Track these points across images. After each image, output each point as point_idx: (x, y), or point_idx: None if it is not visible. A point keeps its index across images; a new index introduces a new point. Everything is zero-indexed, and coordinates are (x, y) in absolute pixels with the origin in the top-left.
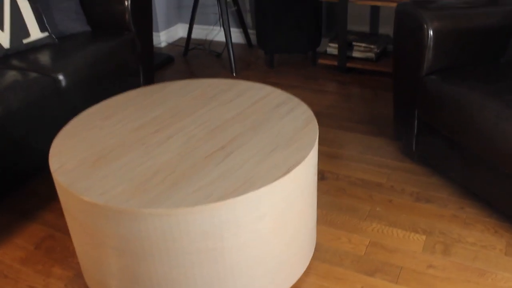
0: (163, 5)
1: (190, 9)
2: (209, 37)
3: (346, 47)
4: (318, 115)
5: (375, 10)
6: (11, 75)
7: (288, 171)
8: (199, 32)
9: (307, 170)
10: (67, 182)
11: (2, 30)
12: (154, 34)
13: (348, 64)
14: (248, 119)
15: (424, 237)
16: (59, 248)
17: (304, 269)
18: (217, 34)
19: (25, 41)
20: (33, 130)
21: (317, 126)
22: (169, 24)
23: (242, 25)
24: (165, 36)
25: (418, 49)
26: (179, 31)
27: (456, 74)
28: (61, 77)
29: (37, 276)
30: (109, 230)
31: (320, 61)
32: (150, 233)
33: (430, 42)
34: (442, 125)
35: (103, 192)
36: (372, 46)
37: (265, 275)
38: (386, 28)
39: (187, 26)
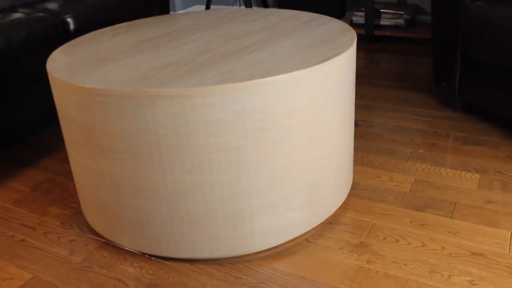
0: None
1: None
2: None
3: (373, 13)
4: None
5: None
6: (15, 15)
7: (323, 60)
8: None
9: (344, 69)
10: (64, 77)
11: None
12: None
13: (376, 32)
14: (277, 28)
15: (478, 175)
16: (58, 189)
17: (340, 202)
18: None
19: None
20: (36, 76)
21: (355, 33)
22: (186, 5)
23: (263, 2)
24: None
25: None
26: None
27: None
28: (69, 19)
29: (31, 215)
30: (109, 126)
31: None
32: (159, 124)
33: None
34: (491, 54)
35: (104, 80)
36: (401, 12)
37: (295, 195)
38: None
39: (203, 8)
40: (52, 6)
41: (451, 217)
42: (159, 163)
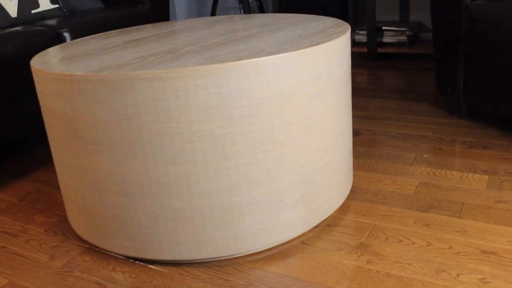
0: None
1: (211, 3)
2: None
3: (375, 30)
4: None
5: None
6: (12, 29)
7: (313, 45)
8: None
9: (337, 57)
10: (44, 67)
11: None
12: None
13: (379, 50)
14: (269, 26)
15: (486, 177)
16: (46, 199)
17: (339, 204)
18: None
19: (33, 11)
20: (30, 89)
21: (350, 27)
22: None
23: (260, 10)
24: None
25: None
26: None
27: None
28: (66, 34)
29: (15, 223)
30: (89, 116)
31: None
32: (139, 110)
33: None
34: (495, 52)
35: (84, 68)
36: (404, 29)
37: (288, 190)
38: (418, 15)
39: None
40: (51, 22)
41: (458, 217)
42: (141, 153)
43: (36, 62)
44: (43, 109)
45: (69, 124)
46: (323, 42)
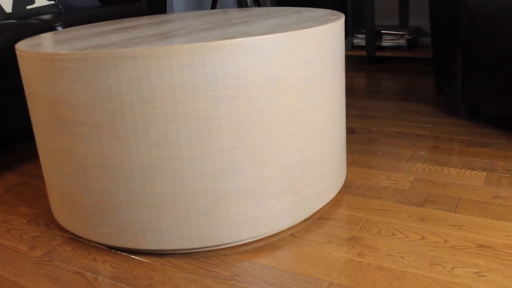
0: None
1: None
2: None
3: (374, 34)
4: (346, 90)
5: (404, 1)
6: (4, 22)
7: (302, 28)
8: None
9: (328, 42)
10: (28, 48)
11: None
12: None
13: (378, 53)
14: (262, 16)
15: (484, 173)
16: (31, 191)
17: (330, 197)
18: None
19: (28, 7)
20: (21, 84)
21: (343, 15)
22: None
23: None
24: None
25: None
26: None
27: None
28: (59, 28)
29: None
30: (71, 97)
31: (346, 52)
32: (123, 89)
33: None
34: (493, 49)
35: (70, 48)
36: (403, 33)
37: (275, 178)
38: (417, 20)
39: None
40: (45, 17)
41: (454, 212)
42: (124, 135)
43: (21, 46)
44: (27, 92)
45: (51, 106)
46: (314, 26)
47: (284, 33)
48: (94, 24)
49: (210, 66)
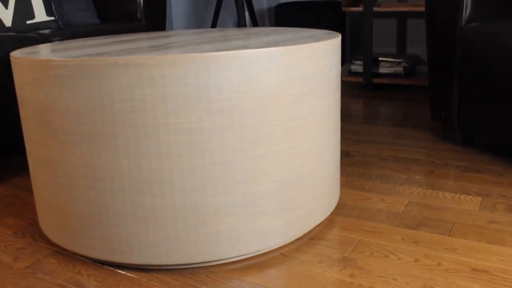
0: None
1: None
2: None
3: (371, 60)
4: (342, 115)
5: (402, 29)
6: (3, 34)
7: (297, 44)
8: None
9: (324, 60)
10: (22, 55)
11: (6, 7)
12: None
13: (375, 80)
14: (259, 33)
15: (479, 198)
16: (20, 203)
17: (323, 217)
18: None
19: (28, 22)
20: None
21: (340, 34)
22: None
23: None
24: None
25: None
26: None
27: (498, 18)
28: (57, 41)
29: None
30: (62, 105)
31: (343, 78)
32: (114, 98)
33: None
34: (490, 75)
35: (64, 56)
36: (400, 60)
37: (266, 195)
38: (415, 49)
39: None
40: (45, 31)
41: (449, 235)
42: (114, 145)
43: (16, 53)
44: (19, 100)
45: (42, 114)
46: (310, 42)
47: (280, 48)
48: (92, 38)
49: (203, 77)
